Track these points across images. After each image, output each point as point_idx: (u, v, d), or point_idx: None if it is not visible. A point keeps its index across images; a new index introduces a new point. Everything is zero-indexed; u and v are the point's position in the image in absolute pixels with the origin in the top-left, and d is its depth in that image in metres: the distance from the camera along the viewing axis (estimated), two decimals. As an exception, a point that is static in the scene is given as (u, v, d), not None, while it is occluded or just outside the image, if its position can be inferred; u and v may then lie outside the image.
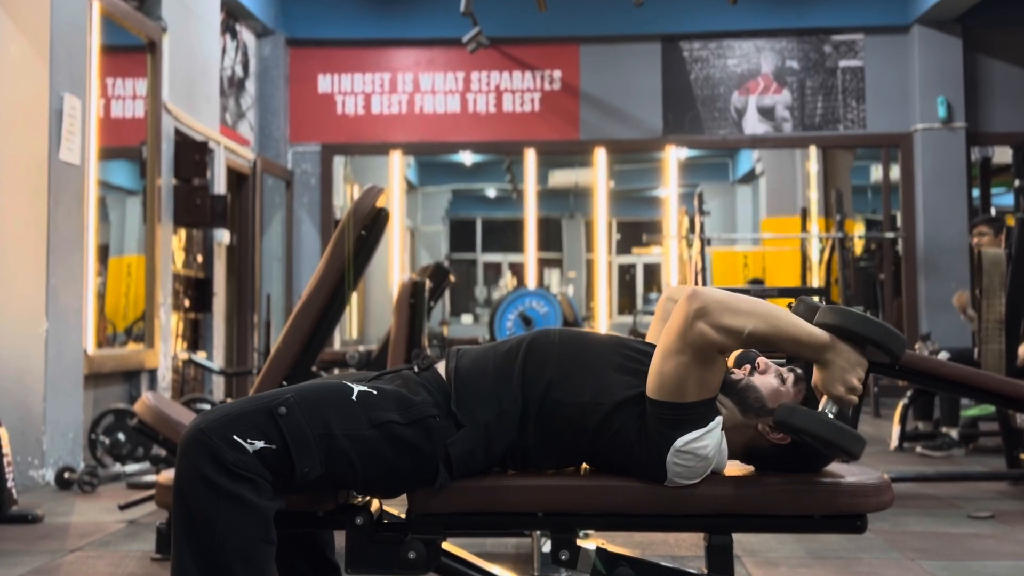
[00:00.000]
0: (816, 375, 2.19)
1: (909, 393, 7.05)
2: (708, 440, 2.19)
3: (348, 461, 2.18)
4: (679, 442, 2.17)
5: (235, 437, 2.11)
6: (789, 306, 2.38)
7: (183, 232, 8.48)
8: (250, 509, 2.09)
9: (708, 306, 2.11)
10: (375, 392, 2.25)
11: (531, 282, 11.98)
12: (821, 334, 2.16)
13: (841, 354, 2.14)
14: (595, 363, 2.31)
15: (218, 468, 2.08)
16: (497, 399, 2.28)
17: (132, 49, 7.74)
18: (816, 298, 2.42)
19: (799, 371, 2.32)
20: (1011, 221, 5.81)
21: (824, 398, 2.17)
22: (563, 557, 2.30)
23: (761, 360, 2.35)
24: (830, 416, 2.13)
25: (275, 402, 2.16)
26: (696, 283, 9.69)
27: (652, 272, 19.75)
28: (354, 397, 2.22)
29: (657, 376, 2.18)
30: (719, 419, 2.22)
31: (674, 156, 11.69)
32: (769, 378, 2.31)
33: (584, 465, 2.39)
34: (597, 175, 11.82)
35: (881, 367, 5.06)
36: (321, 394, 2.22)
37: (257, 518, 2.10)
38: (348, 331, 13.94)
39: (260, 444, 2.11)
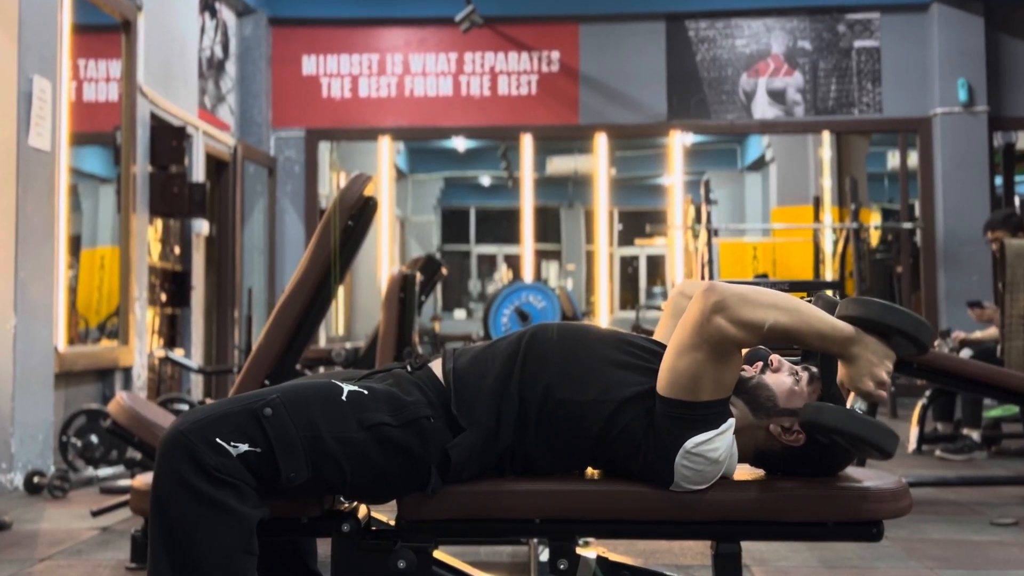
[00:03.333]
0: (842, 371, 2.18)
1: (928, 393, 7.06)
2: (719, 443, 2.18)
3: (336, 464, 2.17)
4: (689, 443, 2.16)
5: (217, 440, 2.10)
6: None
7: (159, 222, 8.47)
8: (232, 517, 2.08)
9: (726, 300, 2.11)
10: (366, 392, 2.24)
11: (528, 275, 11.98)
12: (845, 327, 2.15)
13: (868, 347, 2.14)
14: (597, 360, 2.31)
15: (199, 472, 2.08)
16: (497, 400, 2.28)
17: (105, 29, 7.73)
18: (831, 292, 2.42)
19: (814, 369, 2.32)
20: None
21: (851, 395, 2.17)
22: (561, 566, 2.30)
23: (774, 357, 2.34)
24: (860, 412, 2.14)
25: (259, 403, 2.16)
26: (703, 276, 9.69)
27: (656, 264, 19.74)
28: (344, 397, 2.21)
29: (670, 372, 2.18)
30: (732, 421, 2.22)
31: (679, 142, 11.68)
32: (782, 376, 2.31)
33: (588, 469, 2.38)
34: (597, 162, 11.81)
35: (898, 365, 5.06)
36: (308, 394, 2.22)
37: (239, 527, 2.09)
38: (334, 327, 13.94)
39: (244, 447, 2.11)
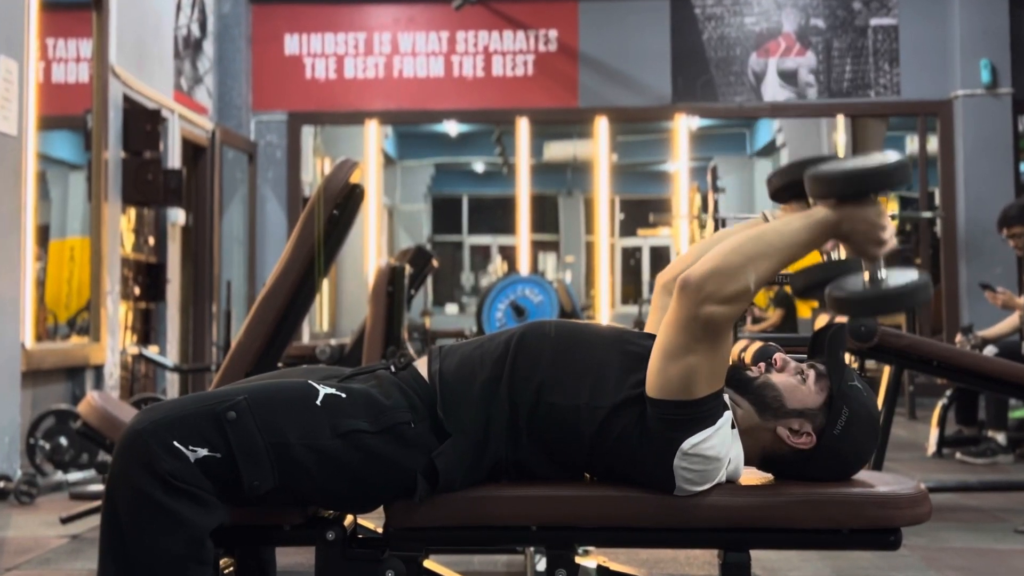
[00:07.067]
0: (844, 250, 2.23)
1: (949, 392, 7.05)
2: (716, 439, 2.19)
3: (306, 473, 2.17)
4: (686, 445, 2.17)
5: (175, 443, 2.10)
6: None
7: (133, 211, 8.46)
8: (182, 526, 2.09)
9: (705, 286, 2.12)
10: (343, 395, 2.23)
11: (524, 267, 11.98)
12: (819, 217, 2.17)
13: (852, 218, 2.15)
14: (594, 360, 2.31)
15: (152, 477, 2.08)
16: (485, 407, 2.27)
17: (76, 6, 7.72)
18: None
19: (820, 367, 2.32)
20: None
21: (865, 266, 2.20)
22: (559, 577, 2.30)
23: (778, 356, 2.35)
24: (882, 277, 2.17)
25: (224, 404, 2.15)
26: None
27: (659, 256, 19.73)
28: (319, 401, 2.20)
29: (661, 375, 2.17)
30: (728, 415, 2.22)
31: (684, 126, 11.68)
32: (788, 376, 2.31)
33: (586, 475, 2.38)
34: (598, 147, 11.81)
35: (917, 363, 5.06)
36: (279, 396, 2.21)
37: (189, 535, 2.10)
38: (318, 323, 13.94)
39: (203, 452, 2.11)
